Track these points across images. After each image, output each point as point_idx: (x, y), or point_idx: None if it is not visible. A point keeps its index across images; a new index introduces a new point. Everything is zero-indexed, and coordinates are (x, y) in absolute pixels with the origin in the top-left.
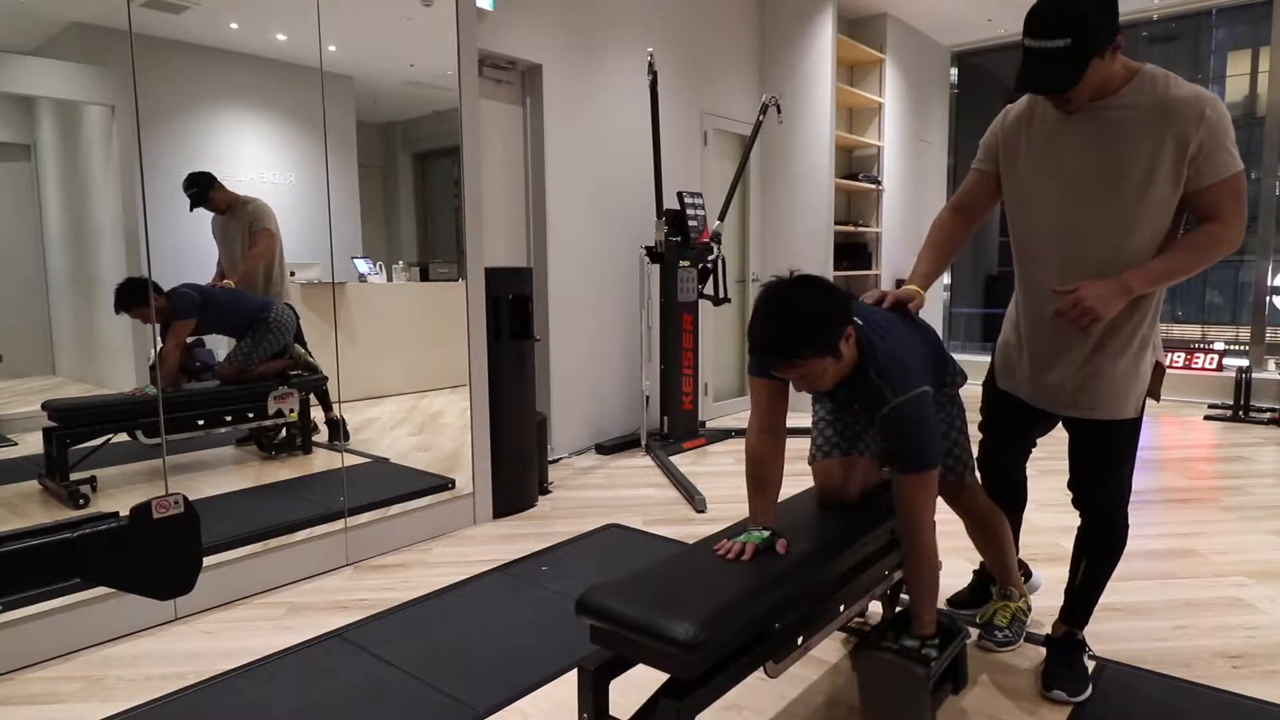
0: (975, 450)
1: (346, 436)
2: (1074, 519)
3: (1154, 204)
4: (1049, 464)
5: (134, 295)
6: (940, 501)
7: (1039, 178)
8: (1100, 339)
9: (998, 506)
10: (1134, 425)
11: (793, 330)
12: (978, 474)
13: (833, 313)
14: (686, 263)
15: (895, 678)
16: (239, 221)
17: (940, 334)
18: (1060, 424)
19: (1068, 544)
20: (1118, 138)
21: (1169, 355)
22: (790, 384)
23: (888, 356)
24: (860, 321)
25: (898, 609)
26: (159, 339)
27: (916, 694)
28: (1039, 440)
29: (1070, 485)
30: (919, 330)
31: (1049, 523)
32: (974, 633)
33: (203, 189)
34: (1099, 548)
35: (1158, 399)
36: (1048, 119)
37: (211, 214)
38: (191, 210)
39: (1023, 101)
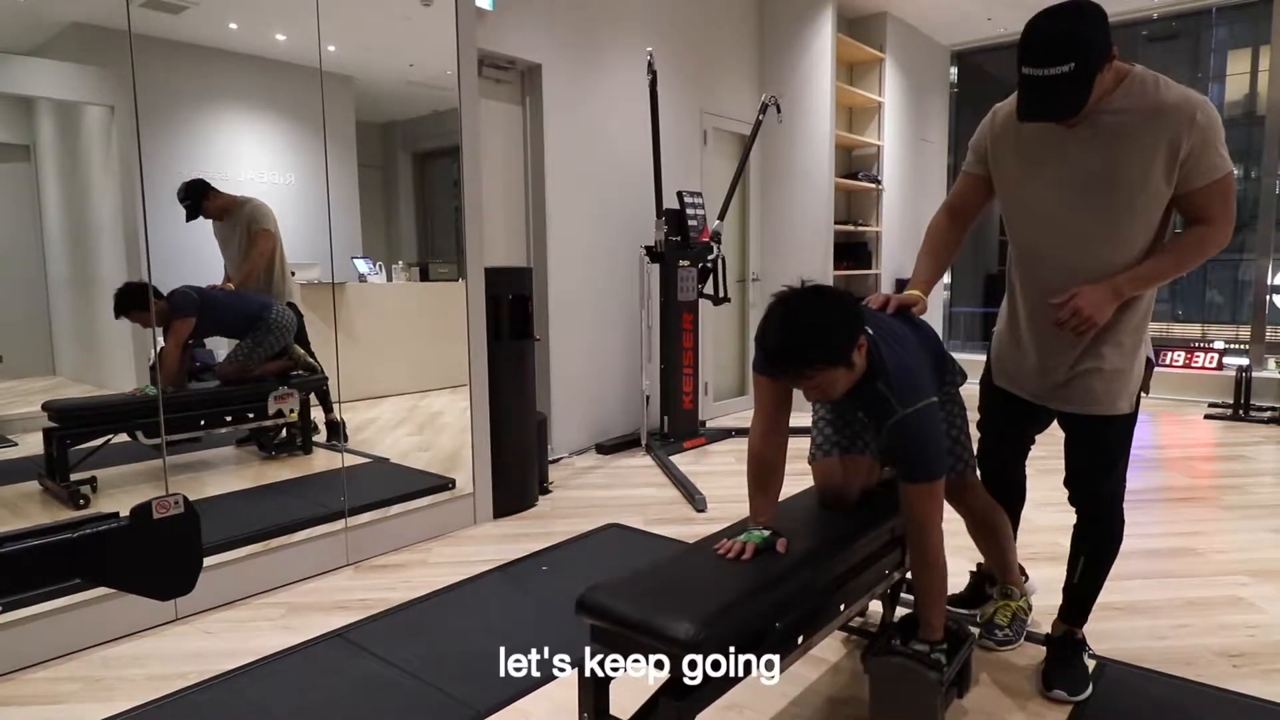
0: (975, 448)
1: (345, 438)
2: (1073, 517)
3: (1148, 205)
4: (1048, 463)
5: (133, 300)
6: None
7: (1034, 181)
8: (1100, 337)
9: (997, 504)
10: (1129, 421)
11: (806, 342)
12: (977, 472)
13: (846, 324)
14: (686, 262)
15: (908, 682)
16: (237, 224)
17: (941, 333)
18: (1056, 421)
19: (1067, 543)
20: (1111, 142)
21: (1169, 354)
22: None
23: (897, 368)
24: (870, 330)
25: (900, 611)
26: (160, 339)
27: (929, 699)
28: (1038, 439)
29: (1066, 482)
30: (920, 332)
31: (1048, 521)
32: (975, 632)
33: (197, 199)
34: (1096, 544)
35: (1147, 392)
36: (1039, 126)
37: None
38: (189, 221)
39: (1011, 101)
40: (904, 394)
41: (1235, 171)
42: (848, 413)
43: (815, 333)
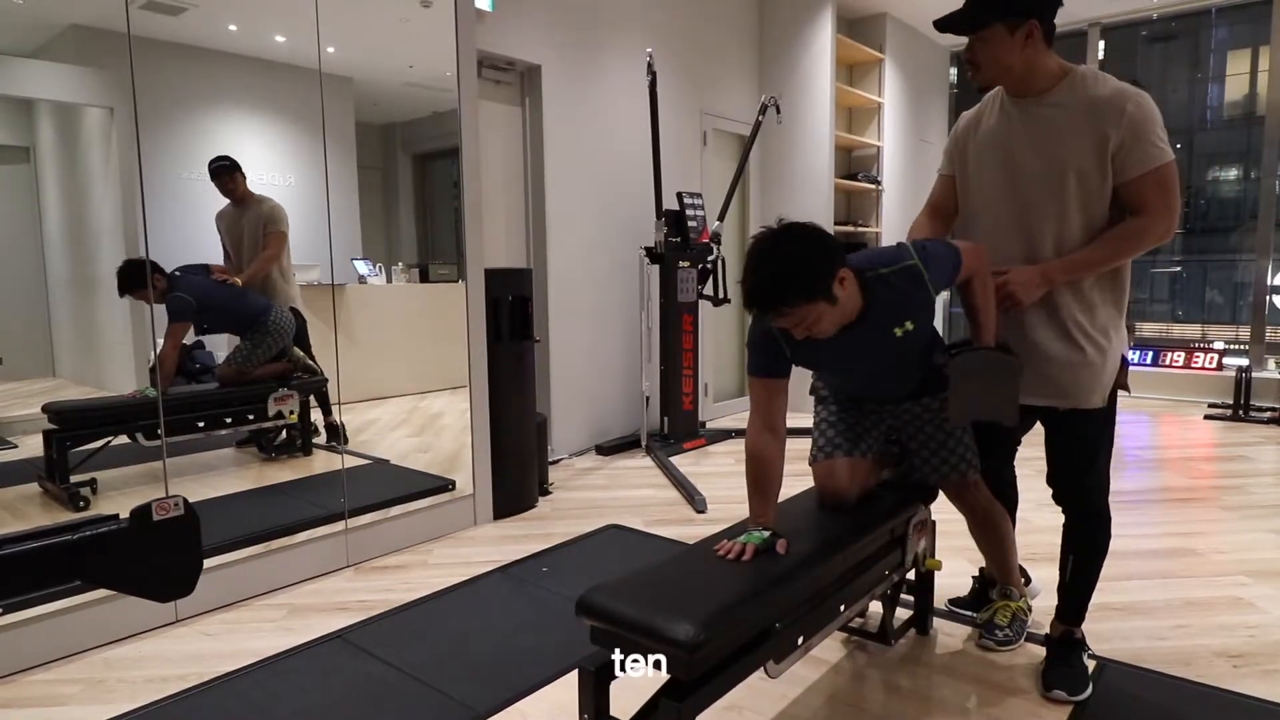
0: None
1: (345, 441)
2: None
3: (1085, 199)
4: (1046, 464)
5: (137, 278)
6: (943, 500)
7: (983, 178)
8: (1064, 329)
9: (1000, 505)
10: (1104, 416)
11: (780, 278)
12: (979, 471)
13: (821, 257)
14: (686, 263)
15: (993, 370)
16: (252, 218)
17: (940, 334)
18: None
19: None
20: (1048, 136)
21: (1169, 354)
22: (788, 382)
23: (883, 254)
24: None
25: (900, 613)
26: (158, 338)
27: (1013, 383)
28: (1033, 441)
29: (1049, 480)
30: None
31: (1046, 522)
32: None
33: (232, 165)
34: (1084, 542)
35: (1126, 390)
36: (991, 122)
37: (224, 203)
38: (213, 176)
39: (975, 107)
40: (902, 254)
41: (1176, 159)
42: (852, 414)
43: (789, 269)
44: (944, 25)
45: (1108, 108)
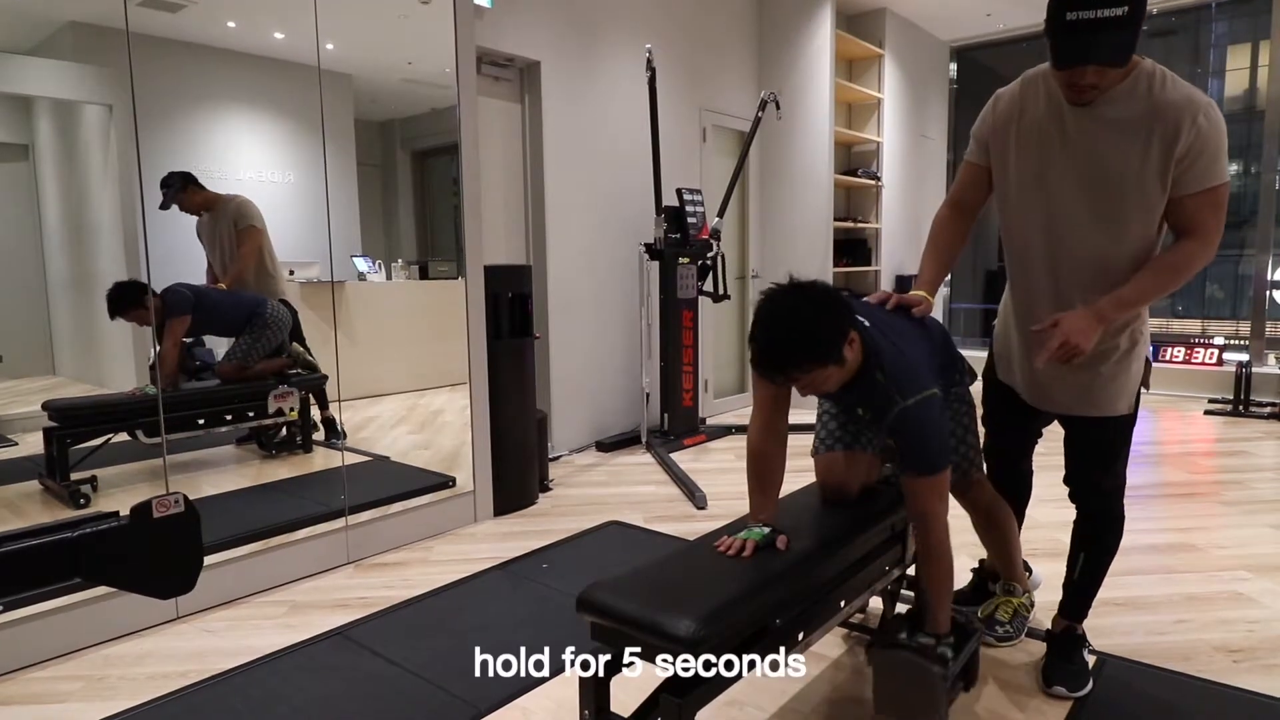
0: (981, 443)
1: (343, 435)
2: (1073, 513)
3: (1142, 205)
4: (1049, 459)
5: (128, 299)
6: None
7: (1027, 174)
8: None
9: (1004, 501)
10: (1128, 421)
11: (792, 344)
12: (984, 470)
13: (832, 322)
14: (686, 259)
15: (913, 676)
16: (223, 221)
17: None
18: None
19: (1067, 539)
20: (1108, 136)
21: (1169, 350)
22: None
23: (894, 358)
24: (866, 323)
25: (900, 608)
26: (158, 339)
27: (934, 692)
28: (1043, 431)
29: (1066, 479)
30: (926, 330)
31: (1049, 518)
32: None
33: (174, 189)
34: (1096, 541)
35: (1148, 388)
36: (1038, 113)
37: (195, 216)
38: (162, 209)
39: (1014, 88)
40: (903, 384)
41: (1231, 181)
42: (852, 408)
43: (801, 334)
44: (1098, 60)
45: (1180, 115)
